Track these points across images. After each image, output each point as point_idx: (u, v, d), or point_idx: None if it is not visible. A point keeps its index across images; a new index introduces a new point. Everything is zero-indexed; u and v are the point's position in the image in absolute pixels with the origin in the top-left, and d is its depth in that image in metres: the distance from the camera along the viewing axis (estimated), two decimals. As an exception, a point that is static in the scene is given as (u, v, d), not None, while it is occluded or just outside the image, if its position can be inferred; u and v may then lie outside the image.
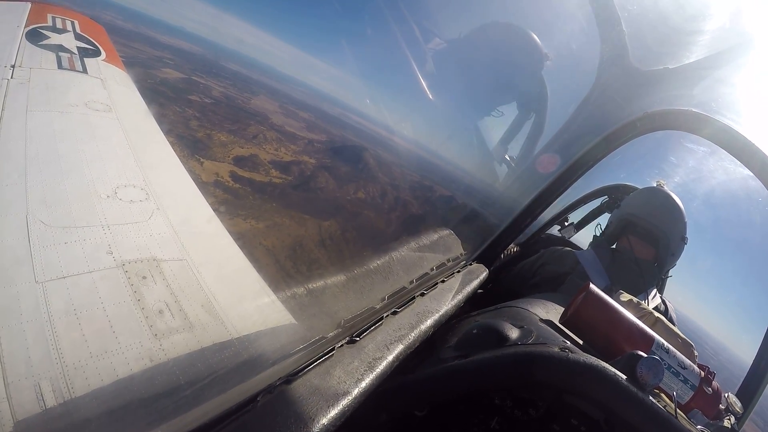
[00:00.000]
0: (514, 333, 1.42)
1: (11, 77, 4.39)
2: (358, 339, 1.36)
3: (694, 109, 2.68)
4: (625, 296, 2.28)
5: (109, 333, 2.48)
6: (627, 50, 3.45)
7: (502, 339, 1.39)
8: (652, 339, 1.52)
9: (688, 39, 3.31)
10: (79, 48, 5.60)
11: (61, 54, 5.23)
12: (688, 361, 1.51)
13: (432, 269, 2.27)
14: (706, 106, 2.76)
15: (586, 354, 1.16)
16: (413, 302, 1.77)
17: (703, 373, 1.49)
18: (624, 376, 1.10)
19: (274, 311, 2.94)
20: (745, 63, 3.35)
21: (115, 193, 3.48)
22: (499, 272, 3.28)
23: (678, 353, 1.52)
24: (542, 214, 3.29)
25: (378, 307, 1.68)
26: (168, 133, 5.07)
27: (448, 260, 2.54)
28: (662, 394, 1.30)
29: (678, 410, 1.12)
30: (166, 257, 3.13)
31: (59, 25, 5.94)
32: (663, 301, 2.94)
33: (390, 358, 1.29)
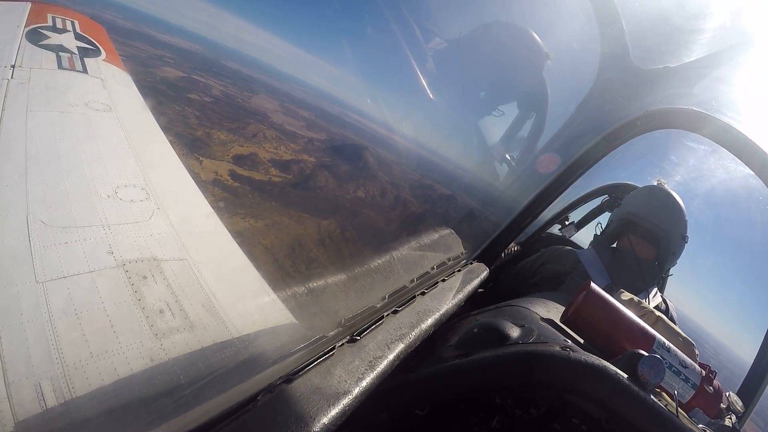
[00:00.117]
0: (514, 332, 1.42)
1: (11, 77, 4.38)
2: (358, 338, 1.36)
3: (694, 108, 2.68)
4: (626, 295, 2.28)
5: (109, 333, 2.48)
6: (627, 49, 3.44)
7: (503, 338, 1.39)
8: (653, 338, 1.52)
9: (688, 38, 3.31)
10: (79, 48, 5.60)
11: (61, 54, 5.22)
12: (689, 360, 1.51)
13: (432, 268, 2.27)
14: (707, 104, 2.76)
15: (587, 353, 1.16)
16: (414, 301, 1.77)
17: (704, 372, 1.49)
18: (625, 375, 1.10)
19: (275, 310, 2.94)
20: (746, 61, 3.34)
21: (115, 192, 3.48)
22: (500, 271, 3.28)
23: (679, 352, 1.52)
24: (543, 214, 3.29)
25: (379, 306, 1.68)
26: (167, 131, 5.07)
27: (449, 259, 2.54)
28: (663, 393, 1.30)
29: (679, 409, 1.11)
30: (167, 257, 3.13)
31: (59, 24, 5.94)
32: (664, 300, 2.94)
33: (391, 357, 1.28)
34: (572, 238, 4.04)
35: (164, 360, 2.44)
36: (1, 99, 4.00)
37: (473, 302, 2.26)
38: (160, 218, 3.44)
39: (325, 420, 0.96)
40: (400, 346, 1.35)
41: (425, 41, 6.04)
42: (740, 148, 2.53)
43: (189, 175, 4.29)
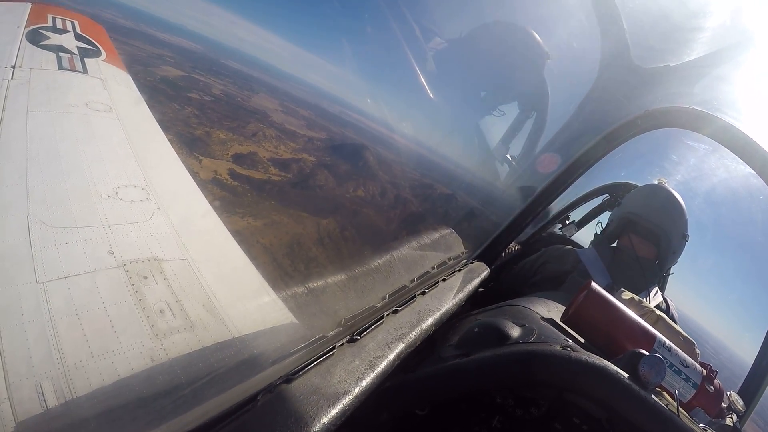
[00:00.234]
0: (515, 331, 1.41)
1: (11, 78, 4.39)
2: (358, 338, 1.36)
3: (695, 107, 2.67)
4: (627, 294, 2.27)
5: (110, 333, 2.48)
6: (628, 48, 3.44)
7: (504, 337, 1.38)
8: (653, 337, 1.52)
9: (688, 36, 3.30)
10: (79, 48, 5.61)
11: (61, 54, 5.24)
12: (690, 360, 1.50)
13: (433, 268, 2.27)
14: (708, 103, 2.75)
15: (587, 352, 1.15)
16: (414, 301, 1.76)
17: (705, 372, 1.48)
18: (626, 375, 1.09)
19: (275, 310, 2.95)
20: (747, 60, 3.34)
21: (115, 193, 3.48)
22: (500, 271, 3.27)
23: (680, 351, 1.52)
24: (543, 213, 3.29)
25: (379, 305, 1.68)
26: (167, 130, 5.08)
27: (449, 259, 2.54)
28: (664, 393, 1.30)
29: (680, 409, 1.11)
30: (167, 257, 3.13)
31: (59, 25, 5.95)
32: (664, 299, 2.94)
33: (391, 356, 1.28)
34: (573, 238, 4.04)
35: (165, 360, 2.45)
36: (2, 99, 4.01)
37: (474, 302, 2.25)
38: (160, 218, 3.44)
39: (325, 420, 0.96)
40: (401, 346, 1.35)
41: (426, 41, 6.04)
42: (741, 147, 2.52)
43: (189, 175, 4.30)
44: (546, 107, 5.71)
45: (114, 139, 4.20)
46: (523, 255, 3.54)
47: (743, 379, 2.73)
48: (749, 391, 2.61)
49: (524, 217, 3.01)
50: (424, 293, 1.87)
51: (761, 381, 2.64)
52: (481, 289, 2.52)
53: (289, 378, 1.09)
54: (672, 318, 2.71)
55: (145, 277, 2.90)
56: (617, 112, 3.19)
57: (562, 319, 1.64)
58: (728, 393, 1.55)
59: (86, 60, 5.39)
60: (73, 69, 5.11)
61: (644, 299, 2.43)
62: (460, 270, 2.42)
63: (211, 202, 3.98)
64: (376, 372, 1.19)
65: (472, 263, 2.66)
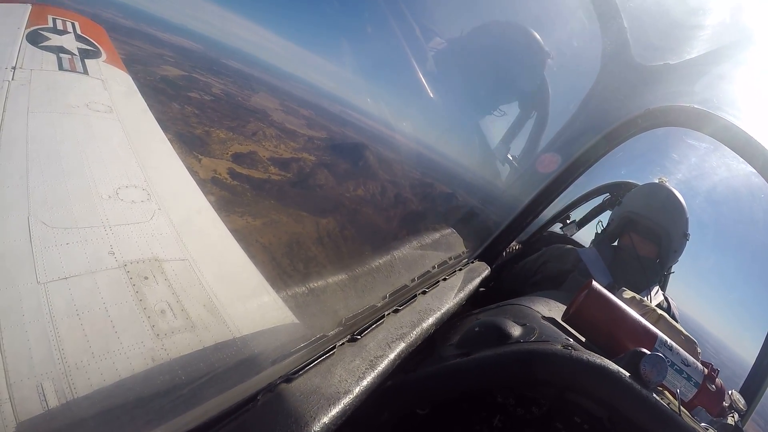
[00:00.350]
0: (516, 331, 1.41)
1: (12, 79, 4.39)
2: (359, 337, 1.36)
3: (696, 106, 2.67)
4: (628, 293, 2.27)
5: (111, 333, 2.48)
6: (629, 45, 3.43)
7: (505, 337, 1.38)
8: (655, 336, 1.51)
9: (689, 34, 3.30)
10: (79, 49, 5.61)
11: (61, 55, 5.24)
12: (691, 359, 1.50)
13: (434, 267, 2.27)
14: (708, 102, 2.75)
15: (589, 351, 1.15)
16: (415, 300, 1.76)
17: (706, 371, 1.48)
18: (627, 374, 1.09)
19: (276, 310, 2.95)
20: (747, 59, 3.33)
21: (116, 193, 3.48)
22: (501, 270, 3.27)
23: (681, 350, 1.52)
24: (544, 212, 3.28)
25: (379, 305, 1.68)
26: (167, 130, 5.08)
27: (450, 258, 2.54)
28: (666, 392, 1.29)
29: (682, 408, 1.11)
30: (168, 257, 3.13)
31: (60, 26, 5.95)
32: (665, 298, 2.93)
33: (391, 356, 1.28)
34: (573, 237, 4.03)
35: (166, 360, 2.44)
36: (2, 100, 4.01)
37: (474, 301, 2.25)
38: (161, 219, 3.44)
39: (325, 419, 0.95)
40: (401, 346, 1.35)
41: (426, 40, 6.04)
42: (742, 145, 2.52)
43: (190, 176, 4.30)
44: (547, 107, 5.70)
45: (114, 140, 4.20)
46: (523, 254, 3.53)
47: (744, 378, 2.73)
48: (750, 389, 2.61)
49: (525, 217, 3.01)
50: (424, 292, 1.87)
51: (762, 380, 2.64)
52: (481, 289, 2.52)
53: (289, 377, 1.09)
54: (673, 317, 2.71)
55: (146, 278, 2.90)
56: (618, 111, 3.18)
57: (563, 319, 1.64)
58: (730, 392, 1.55)
59: (86, 61, 5.39)
60: (73, 70, 5.11)
61: (645, 298, 2.42)
62: (460, 269, 2.42)
63: (209, 202, 3.98)
64: (376, 371, 1.19)
65: (472, 263, 2.66)
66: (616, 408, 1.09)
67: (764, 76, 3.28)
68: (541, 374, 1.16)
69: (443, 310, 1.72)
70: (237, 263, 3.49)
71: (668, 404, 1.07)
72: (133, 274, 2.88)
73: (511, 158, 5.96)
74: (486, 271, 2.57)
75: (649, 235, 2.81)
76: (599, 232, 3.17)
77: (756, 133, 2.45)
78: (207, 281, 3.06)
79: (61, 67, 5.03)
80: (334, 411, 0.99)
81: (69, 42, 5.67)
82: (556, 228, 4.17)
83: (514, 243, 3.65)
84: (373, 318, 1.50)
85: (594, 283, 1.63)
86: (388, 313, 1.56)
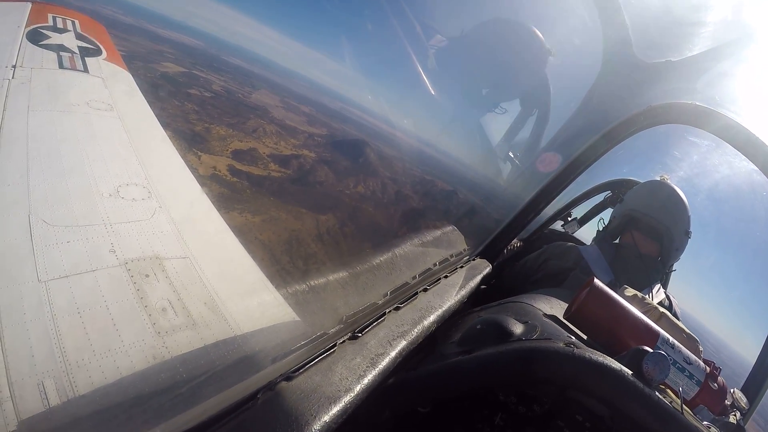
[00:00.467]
0: (518, 328, 1.41)
1: (12, 77, 4.40)
2: (360, 335, 1.35)
3: (697, 103, 2.66)
4: (630, 291, 2.26)
5: (112, 331, 2.48)
6: (630, 42, 3.42)
7: (506, 334, 1.38)
8: (657, 334, 1.51)
9: (690, 31, 3.28)
10: (80, 47, 5.61)
11: (62, 53, 5.24)
12: (693, 357, 1.49)
13: (435, 265, 2.26)
14: (710, 99, 2.74)
15: (590, 349, 1.15)
16: (416, 298, 1.76)
17: (708, 369, 1.47)
18: (630, 372, 1.08)
19: (277, 308, 2.95)
20: (749, 56, 3.32)
21: (117, 191, 3.48)
22: (503, 268, 3.27)
23: (683, 348, 1.51)
24: (545, 210, 3.28)
25: (380, 302, 1.67)
26: (167, 127, 5.08)
27: (451, 256, 2.53)
28: (668, 390, 1.29)
29: (684, 406, 1.10)
30: (169, 255, 3.13)
31: (60, 24, 5.95)
32: (667, 296, 2.92)
33: (392, 354, 1.28)
34: (575, 235, 4.03)
35: (167, 358, 2.45)
36: (3, 99, 4.01)
37: (476, 299, 2.25)
38: (162, 216, 3.44)
39: (326, 418, 0.95)
40: (402, 343, 1.35)
41: (427, 38, 6.03)
42: (744, 143, 2.51)
43: (191, 173, 4.30)
44: (548, 104, 5.69)
45: (115, 138, 4.20)
46: (525, 252, 3.53)
47: (745, 377, 2.72)
48: (752, 388, 2.61)
49: (526, 214, 3.00)
50: (425, 290, 1.87)
51: (764, 378, 2.63)
52: (483, 286, 2.51)
53: (289, 376, 1.08)
54: (675, 315, 2.70)
55: (147, 276, 2.90)
56: (620, 108, 3.18)
57: (564, 316, 1.63)
58: (732, 390, 1.55)
59: (87, 59, 5.39)
60: (73, 68, 5.11)
61: (647, 296, 2.41)
62: (462, 267, 2.42)
63: (209, 198, 3.98)
64: (377, 369, 1.19)
65: (474, 260, 2.65)
66: (618, 406, 1.08)
67: (766, 73, 3.27)
68: (542, 372, 1.15)
69: (444, 307, 1.72)
70: (238, 261, 3.49)
71: (670, 403, 1.06)
72: (134, 271, 2.88)
73: (512, 156, 5.96)
74: (487, 269, 2.56)
75: (650, 233, 2.81)
76: (601, 229, 3.16)
77: (758, 131, 2.44)
78: (208, 279, 3.06)
79: (61, 66, 5.02)
80: (335, 409, 0.99)
81: (69, 40, 5.67)
82: (558, 225, 4.17)
83: (515, 240, 3.64)
84: (374, 315, 1.49)
85: (596, 280, 1.62)
86: (389, 311, 1.56)
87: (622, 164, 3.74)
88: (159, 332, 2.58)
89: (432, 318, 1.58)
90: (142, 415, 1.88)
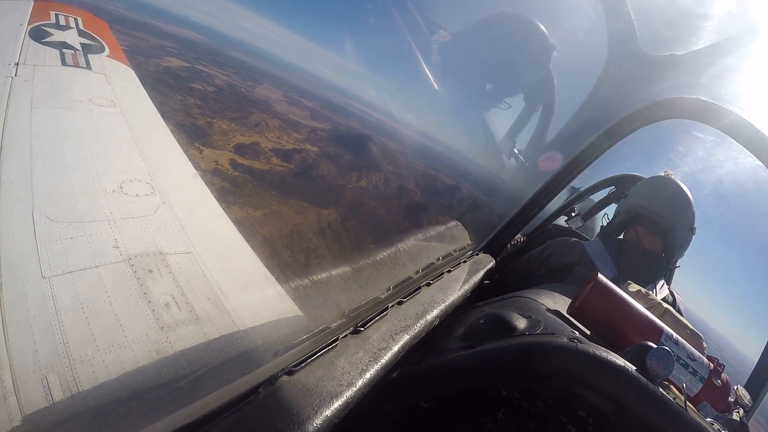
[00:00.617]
0: (521, 323, 1.40)
1: (15, 75, 4.41)
2: (362, 329, 1.35)
3: (702, 98, 2.64)
4: (634, 287, 2.25)
5: (115, 326, 2.49)
6: (635, 34, 3.40)
7: (510, 329, 1.37)
8: (661, 330, 1.50)
9: (695, 24, 3.26)
10: (82, 44, 5.62)
11: (64, 51, 5.25)
12: (697, 353, 1.49)
13: (438, 259, 2.26)
14: (715, 94, 2.72)
15: (594, 345, 1.14)
16: (419, 292, 1.75)
17: (712, 365, 1.47)
18: (633, 368, 1.08)
19: (280, 303, 2.95)
20: (754, 51, 3.30)
21: (120, 187, 3.49)
22: (506, 263, 3.26)
23: (687, 344, 1.50)
24: (549, 205, 3.27)
25: (383, 297, 1.67)
26: (169, 121, 5.08)
27: (455, 250, 2.53)
28: (671, 386, 1.28)
29: (687, 402, 1.10)
30: (172, 250, 3.14)
31: (62, 22, 5.97)
32: (671, 292, 2.91)
33: (395, 348, 1.27)
34: (579, 230, 4.02)
35: (170, 353, 2.45)
36: (6, 96, 4.03)
37: (479, 293, 2.24)
38: (165, 212, 3.45)
39: (327, 412, 0.95)
40: (405, 338, 1.34)
41: (430, 33, 6.01)
42: (749, 139, 2.49)
43: (194, 169, 4.31)
44: (552, 99, 5.67)
45: (118, 134, 4.21)
46: (528, 247, 3.52)
47: (749, 375, 2.71)
48: (756, 385, 2.60)
49: (530, 209, 2.99)
50: (429, 285, 1.86)
51: (768, 376, 2.62)
52: (486, 281, 2.50)
53: (291, 370, 1.08)
54: (678, 311, 2.69)
55: (150, 271, 2.91)
56: (623, 103, 3.16)
57: (568, 312, 1.62)
58: (735, 387, 1.54)
59: (89, 56, 5.41)
60: (76, 65, 5.12)
61: (651, 292, 2.40)
62: (465, 262, 2.41)
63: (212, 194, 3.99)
64: (380, 364, 1.18)
65: (477, 255, 2.65)
66: (621, 402, 1.07)
67: (772, 68, 3.24)
68: (545, 367, 1.14)
69: (448, 302, 1.72)
70: (241, 256, 3.50)
71: (674, 399, 1.06)
72: (137, 267, 2.89)
73: (516, 151, 5.94)
74: (491, 264, 2.56)
75: (654, 229, 2.79)
76: (604, 225, 3.15)
77: (763, 127, 2.42)
78: (211, 274, 3.07)
79: (64, 63, 5.04)
80: (337, 404, 0.98)
81: (72, 37, 5.68)
82: (562, 221, 4.15)
83: (519, 236, 3.63)
84: (377, 310, 1.49)
85: (600, 276, 1.61)
86: (392, 305, 1.55)
87: (627, 160, 3.72)
88: (162, 327, 2.59)
89: (435, 312, 1.58)
90: (146, 409, 1.88)
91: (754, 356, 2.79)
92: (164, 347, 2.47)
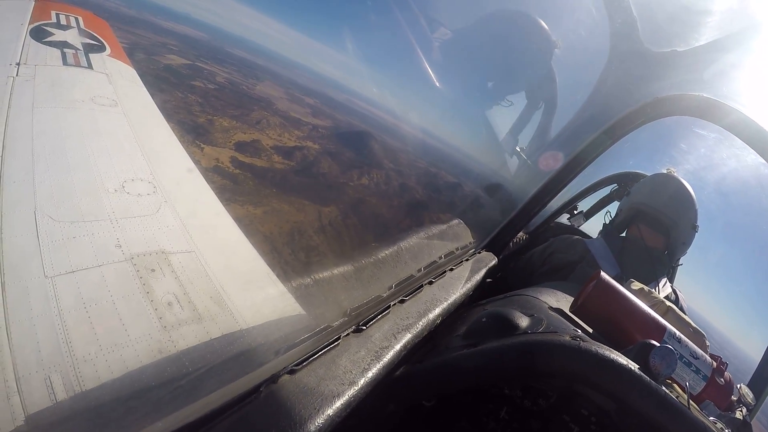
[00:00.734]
0: (524, 321, 1.40)
1: (16, 75, 4.42)
2: (364, 328, 1.35)
3: (705, 95, 2.63)
4: (636, 285, 2.25)
5: (118, 326, 2.49)
6: (637, 28, 3.38)
7: (512, 327, 1.37)
8: (663, 328, 1.50)
9: (696, 19, 3.24)
10: (83, 44, 5.62)
11: (65, 50, 5.26)
12: (700, 351, 1.48)
13: (440, 257, 2.26)
14: (718, 91, 2.70)
15: (597, 343, 1.14)
16: (421, 290, 1.75)
17: (715, 364, 1.46)
18: (636, 366, 1.07)
19: (282, 301, 2.95)
20: (756, 47, 3.28)
21: (122, 187, 3.50)
22: (508, 261, 3.26)
23: (690, 343, 1.50)
24: (551, 203, 3.26)
25: (385, 295, 1.66)
26: (170, 119, 5.08)
27: (457, 248, 2.53)
28: (674, 385, 1.28)
29: (690, 401, 1.09)
30: (175, 250, 3.14)
31: (63, 21, 5.97)
32: (673, 290, 2.91)
33: (397, 347, 1.27)
34: (581, 228, 4.01)
35: (173, 352, 2.46)
36: (7, 96, 4.03)
37: (481, 292, 2.24)
38: (167, 211, 3.45)
39: (329, 411, 0.95)
40: (407, 336, 1.34)
41: (432, 30, 5.99)
42: (752, 136, 2.48)
43: (196, 168, 4.31)
44: (554, 97, 5.65)
45: (120, 134, 4.21)
46: (531, 245, 3.52)
47: (752, 373, 2.71)
48: (759, 384, 2.59)
49: (532, 207, 2.99)
50: (431, 283, 1.86)
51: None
52: (488, 279, 2.50)
53: (292, 369, 1.08)
54: (681, 309, 2.68)
55: (153, 270, 2.91)
56: (626, 100, 3.14)
57: (570, 310, 1.62)
58: (738, 386, 1.53)
59: (91, 55, 5.41)
60: (77, 65, 5.13)
61: (653, 290, 2.40)
62: (467, 260, 2.41)
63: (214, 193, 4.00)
64: (382, 363, 1.18)
65: (479, 253, 2.65)
66: (624, 400, 1.07)
67: (775, 65, 3.23)
68: (548, 366, 1.14)
69: (450, 300, 1.72)
70: (243, 255, 3.50)
71: (677, 397, 1.05)
72: (139, 266, 2.89)
73: (518, 149, 5.92)
74: (493, 262, 2.56)
75: (657, 227, 2.78)
76: (607, 222, 3.14)
77: (766, 123, 2.41)
78: (213, 273, 3.07)
79: (65, 62, 5.04)
80: (339, 403, 0.98)
81: (73, 37, 5.68)
82: (564, 219, 4.14)
83: (521, 234, 3.63)
84: (379, 308, 1.48)
85: (602, 274, 1.61)
86: (394, 304, 1.55)
87: (629, 157, 3.71)
88: (165, 326, 2.59)
89: (437, 311, 1.58)
90: (148, 408, 1.89)
91: (757, 355, 2.78)
92: (167, 346, 2.48)
